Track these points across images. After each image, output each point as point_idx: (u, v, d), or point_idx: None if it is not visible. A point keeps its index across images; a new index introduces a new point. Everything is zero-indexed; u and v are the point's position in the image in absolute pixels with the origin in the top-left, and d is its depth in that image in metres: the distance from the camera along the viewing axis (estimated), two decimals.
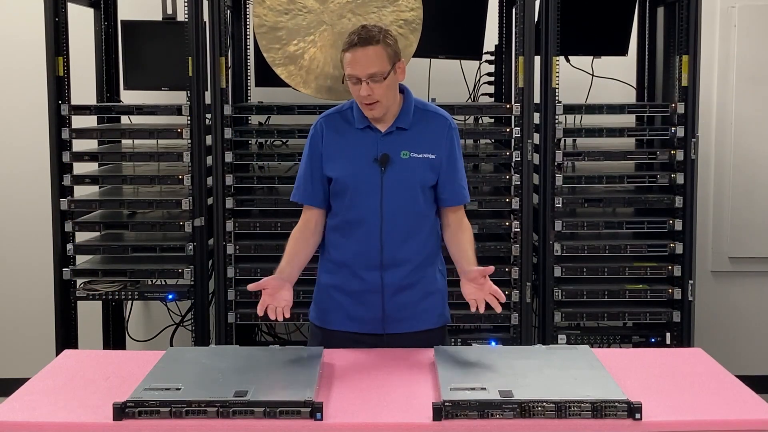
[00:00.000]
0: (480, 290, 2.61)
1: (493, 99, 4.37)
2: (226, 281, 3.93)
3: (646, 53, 4.41)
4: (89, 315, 4.45)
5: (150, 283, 4.10)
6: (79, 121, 4.00)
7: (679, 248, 3.88)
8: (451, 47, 4.24)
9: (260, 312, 2.62)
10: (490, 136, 4.06)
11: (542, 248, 3.90)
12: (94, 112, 4.05)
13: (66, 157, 3.92)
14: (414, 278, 2.80)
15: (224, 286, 3.93)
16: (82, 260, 4.07)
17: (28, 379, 2.49)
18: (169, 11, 4.26)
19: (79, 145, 4.05)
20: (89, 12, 4.38)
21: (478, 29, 4.21)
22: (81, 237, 4.05)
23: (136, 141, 4.08)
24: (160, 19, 4.27)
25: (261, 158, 4.09)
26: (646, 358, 2.74)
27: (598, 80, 4.35)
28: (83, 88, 4.25)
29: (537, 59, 3.86)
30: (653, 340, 3.94)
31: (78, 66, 4.13)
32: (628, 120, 4.30)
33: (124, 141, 4.26)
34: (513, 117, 3.89)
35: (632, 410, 2.15)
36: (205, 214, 3.92)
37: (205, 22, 3.85)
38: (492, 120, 4.23)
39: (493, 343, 3.73)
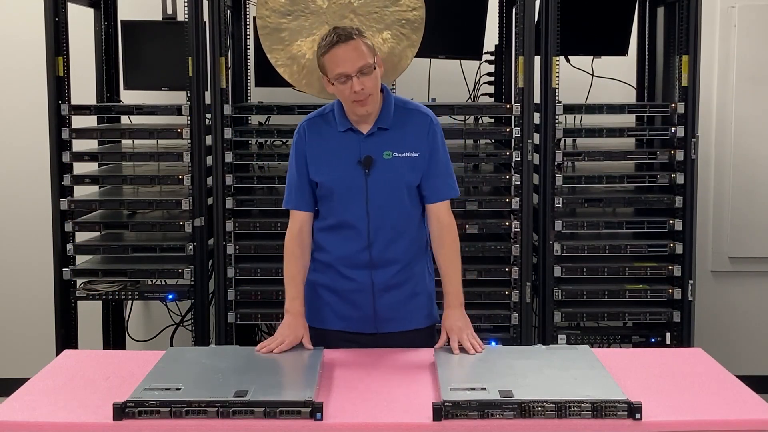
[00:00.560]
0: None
1: (493, 99, 4.37)
2: (226, 281, 3.93)
3: (646, 53, 4.41)
4: (89, 315, 4.45)
5: (150, 283, 4.10)
6: (79, 121, 4.00)
7: (679, 248, 3.88)
8: (451, 47, 4.24)
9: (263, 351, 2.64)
10: (490, 136, 4.06)
11: (542, 248, 3.90)
12: (94, 112, 4.05)
13: (66, 157, 3.92)
14: (402, 277, 2.81)
15: (224, 286, 3.93)
16: (82, 260, 4.07)
17: (28, 379, 2.49)
18: (169, 11, 4.27)
19: (79, 145, 4.05)
20: (89, 12, 4.38)
21: (478, 29, 4.21)
22: (81, 237, 4.05)
23: (136, 141, 4.08)
24: (160, 19, 4.27)
25: (261, 158, 4.10)
26: (646, 358, 2.74)
27: (598, 80, 4.35)
28: (83, 88, 4.25)
29: (537, 59, 3.86)
30: (653, 340, 3.94)
31: (78, 66, 4.13)
32: (628, 120, 4.30)
33: (124, 141, 4.26)
34: (513, 117, 3.89)
35: (632, 410, 2.15)
36: (205, 214, 3.92)
37: (205, 22, 3.85)
38: (492, 120, 4.23)
39: (493, 343, 3.72)
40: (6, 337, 4.93)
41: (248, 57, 4.31)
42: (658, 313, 3.92)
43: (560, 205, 3.89)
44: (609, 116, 4.03)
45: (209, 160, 3.94)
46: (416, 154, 2.75)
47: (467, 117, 4.15)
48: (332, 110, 2.80)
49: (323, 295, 2.83)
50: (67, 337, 3.99)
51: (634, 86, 4.49)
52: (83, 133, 3.97)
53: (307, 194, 2.79)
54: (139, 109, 3.97)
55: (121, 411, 2.15)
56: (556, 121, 3.86)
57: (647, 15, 4.38)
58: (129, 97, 4.38)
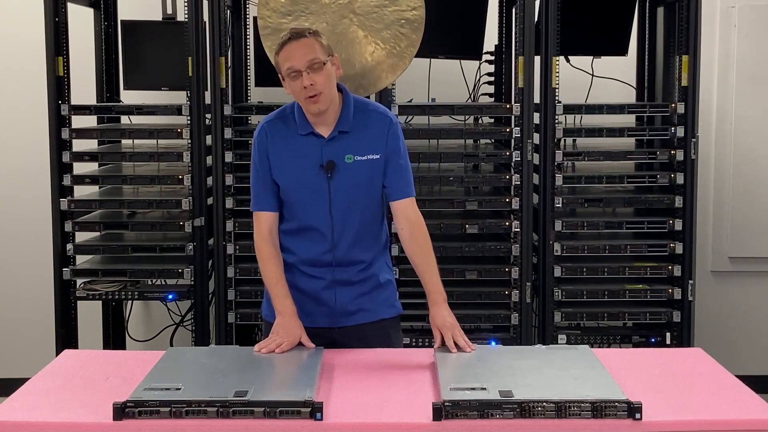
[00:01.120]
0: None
1: (493, 99, 4.37)
2: (226, 281, 3.93)
3: (646, 53, 4.41)
4: (89, 315, 4.45)
5: (150, 283, 4.10)
6: (79, 121, 4.00)
7: (679, 248, 3.88)
8: (451, 47, 4.24)
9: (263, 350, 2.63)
10: (490, 136, 4.06)
11: (542, 248, 3.90)
12: (94, 112, 4.05)
13: (66, 157, 3.92)
14: (365, 274, 2.82)
15: (224, 286, 3.93)
16: (82, 260, 4.07)
17: (28, 379, 2.49)
18: (169, 11, 4.27)
19: (79, 145, 4.05)
20: (89, 12, 4.38)
21: (478, 29, 4.21)
22: (81, 237, 4.05)
23: (136, 141, 4.08)
24: (160, 19, 4.27)
25: None
26: (646, 358, 2.73)
27: (598, 80, 4.35)
28: (83, 88, 4.25)
29: (537, 59, 3.86)
30: (653, 340, 3.94)
31: (78, 66, 4.13)
32: (628, 120, 4.30)
33: (124, 141, 4.26)
34: (513, 117, 3.89)
35: (632, 410, 2.14)
36: (205, 214, 3.92)
37: (205, 22, 3.86)
38: (492, 120, 4.23)
39: (493, 343, 3.72)
40: (6, 337, 4.93)
41: (248, 57, 4.31)
42: (658, 313, 3.92)
43: (560, 205, 3.89)
44: (609, 116, 4.03)
45: (209, 160, 3.94)
46: (377, 156, 2.75)
47: (467, 117, 4.15)
48: (292, 112, 2.79)
49: (291, 294, 2.82)
50: (67, 337, 3.99)
51: (634, 86, 4.49)
52: (83, 133, 3.97)
53: (274, 195, 2.79)
54: (139, 109, 3.97)
55: (121, 411, 2.15)
56: (556, 121, 3.86)
57: (647, 15, 4.38)
58: (129, 97, 4.38)
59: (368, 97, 3.15)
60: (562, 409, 2.15)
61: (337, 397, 2.31)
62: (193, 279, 3.93)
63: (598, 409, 2.15)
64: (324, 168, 2.72)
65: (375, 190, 2.77)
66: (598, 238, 3.97)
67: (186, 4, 3.81)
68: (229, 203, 3.90)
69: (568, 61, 4.22)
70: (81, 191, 4.05)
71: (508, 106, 3.91)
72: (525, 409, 2.15)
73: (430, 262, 2.79)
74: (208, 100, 3.91)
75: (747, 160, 4.77)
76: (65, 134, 3.92)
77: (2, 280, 4.91)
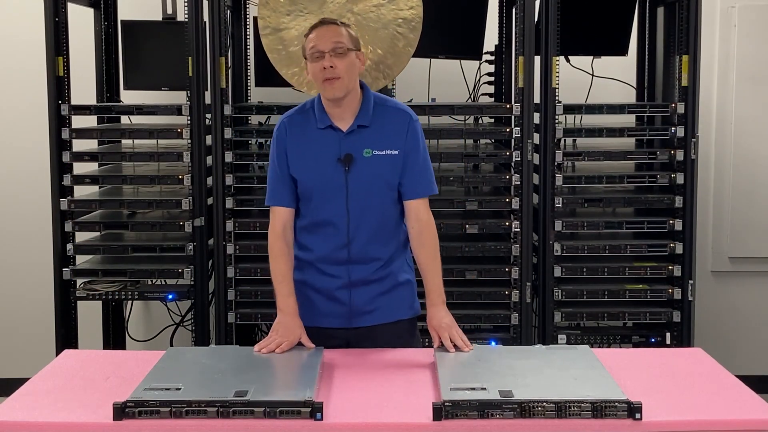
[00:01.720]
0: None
1: (493, 99, 4.37)
2: (226, 281, 3.93)
3: (646, 53, 4.41)
4: (89, 315, 4.45)
5: (150, 283, 4.10)
6: (79, 121, 4.00)
7: (679, 248, 3.88)
8: (451, 47, 4.24)
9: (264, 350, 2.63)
10: (490, 136, 4.06)
11: (542, 248, 3.90)
12: (94, 112, 4.05)
13: (66, 157, 3.92)
14: (383, 273, 2.81)
15: (224, 286, 3.93)
16: (82, 260, 4.07)
17: (28, 379, 2.49)
18: (169, 11, 4.27)
19: (79, 145, 4.05)
20: (89, 12, 4.38)
21: (478, 29, 4.21)
22: (81, 237, 4.05)
23: (136, 141, 4.08)
24: (160, 19, 4.27)
25: (261, 158, 4.09)
26: (646, 358, 2.74)
27: (598, 80, 4.35)
28: (83, 88, 4.25)
29: (537, 59, 3.86)
30: (653, 340, 3.94)
31: (78, 66, 4.13)
32: (628, 120, 4.30)
33: (124, 141, 4.26)
34: (513, 117, 3.89)
35: (632, 410, 2.15)
36: (205, 214, 3.92)
37: (205, 22, 3.85)
38: (492, 120, 4.23)
39: (493, 343, 3.72)
40: (6, 337, 4.93)
41: (248, 57, 4.31)
42: (658, 313, 3.92)
43: (560, 205, 3.89)
44: (609, 116, 4.03)
45: (209, 160, 3.94)
46: (395, 152, 2.75)
47: (467, 117, 4.15)
48: (312, 106, 2.80)
49: (306, 293, 2.83)
50: (67, 337, 3.99)
51: (634, 86, 4.49)
52: (83, 133, 3.97)
53: (290, 191, 2.79)
54: (139, 109, 3.97)
55: (121, 411, 2.15)
56: (556, 121, 3.86)
57: (647, 15, 4.38)
58: (129, 97, 4.38)
59: None
60: (562, 409, 2.15)
61: (337, 397, 2.31)
62: (193, 279, 3.93)
63: (598, 409, 2.15)
64: (342, 161, 2.72)
65: (393, 186, 2.77)
66: (598, 238, 3.97)
67: (186, 4, 3.81)
68: (229, 203, 3.90)
69: (568, 61, 4.22)
70: (81, 191, 4.05)
71: (508, 106, 3.91)
72: (525, 409, 2.15)
73: (434, 262, 2.80)
74: (208, 100, 3.91)
75: (747, 160, 4.77)
76: (65, 134, 3.91)
77: (2, 280, 4.91)
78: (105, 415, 2.16)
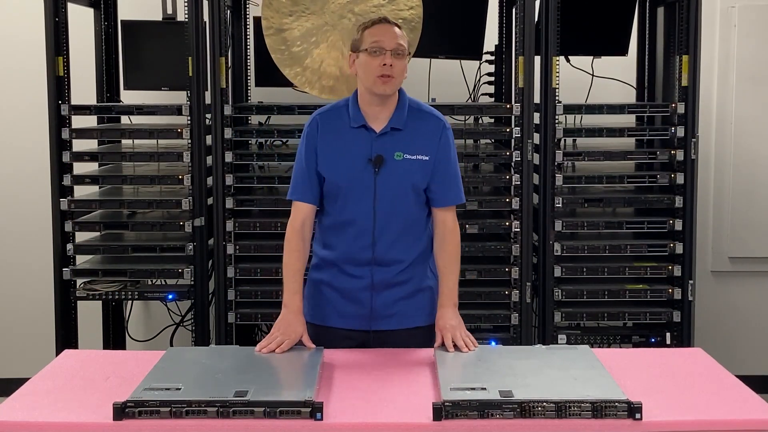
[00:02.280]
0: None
1: (493, 99, 4.37)
2: (226, 281, 3.93)
3: (646, 53, 4.41)
4: (89, 315, 4.45)
5: (150, 283, 4.10)
6: (79, 121, 4.00)
7: (679, 248, 3.88)
8: (451, 47, 4.24)
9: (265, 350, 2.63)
10: (490, 136, 4.06)
11: (542, 248, 3.90)
12: (94, 112, 4.05)
13: (66, 157, 3.92)
14: (404, 276, 2.81)
15: (224, 286, 3.93)
16: (82, 260, 4.07)
17: (28, 379, 2.49)
18: (169, 11, 4.27)
19: (79, 145, 4.05)
20: (89, 12, 4.38)
21: (478, 29, 4.21)
22: (81, 237, 4.05)
23: (136, 141, 4.08)
24: (160, 19, 4.27)
25: (261, 158, 4.09)
26: (646, 358, 2.74)
27: (598, 80, 4.35)
28: (83, 88, 4.25)
29: (537, 59, 3.86)
30: (653, 340, 3.94)
31: (78, 66, 4.12)
32: (628, 120, 4.30)
33: (124, 141, 4.26)
34: (513, 117, 3.89)
35: (632, 410, 2.15)
36: (205, 214, 3.92)
37: (205, 22, 3.85)
38: (492, 120, 4.23)
39: (493, 343, 3.72)
40: (6, 337, 4.93)
41: (248, 57, 4.31)
42: (658, 313, 3.92)
43: (560, 205, 3.89)
44: (609, 116, 4.03)
45: (209, 160, 3.94)
46: (426, 158, 2.76)
47: (467, 117, 4.15)
48: (346, 105, 2.80)
49: (325, 293, 2.84)
50: (67, 337, 3.99)
51: (634, 86, 4.49)
52: (83, 133, 3.97)
53: (314, 187, 2.78)
54: (139, 109, 3.97)
55: (121, 411, 2.15)
56: (556, 121, 3.86)
57: (647, 15, 4.38)
58: (129, 97, 4.38)
59: None
60: (562, 409, 2.15)
61: (337, 397, 2.31)
62: (193, 279, 3.93)
63: (598, 409, 2.15)
64: (372, 162, 2.72)
65: (421, 191, 2.78)
66: (598, 238, 3.97)
67: (186, 4, 3.81)
68: (229, 203, 3.90)
69: (568, 61, 4.22)
70: (81, 191, 4.05)
71: (508, 106, 3.91)
72: (525, 409, 2.15)
73: (452, 266, 2.81)
74: (208, 100, 3.91)
75: (747, 160, 4.77)
76: (65, 134, 3.91)
77: (2, 280, 4.91)
78: (105, 415, 2.16)
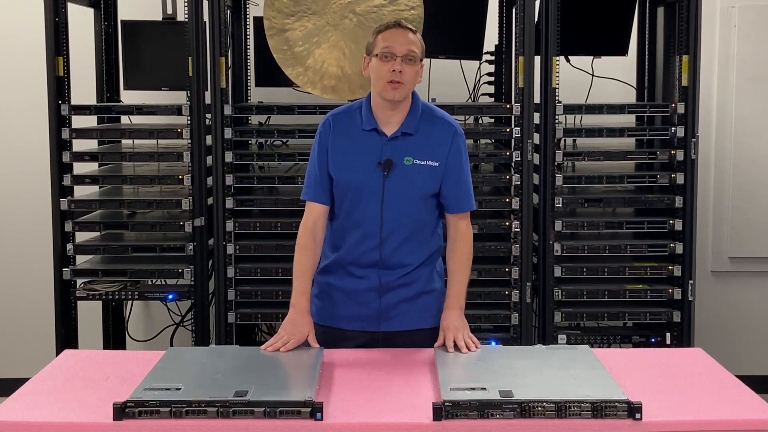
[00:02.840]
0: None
1: (493, 99, 4.37)
2: (226, 281, 3.93)
3: (646, 53, 4.41)
4: (89, 315, 4.45)
5: (150, 283, 4.10)
6: (79, 121, 4.00)
7: (679, 248, 3.88)
8: (451, 47, 4.24)
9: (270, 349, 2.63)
10: (490, 136, 4.06)
11: (542, 248, 3.90)
12: (94, 112, 4.05)
13: (66, 157, 3.92)
14: (411, 278, 2.81)
15: (224, 286, 3.93)
16: (82, 260, 4.07)
17: (28, 379, 2.49)
18: (169, 11, 4.27)
19: (79, 145, 4.05)
20: (89, 12, 4.38)
21: (478, 29, 4.21)
22: (81, 237, 4.05)
23: (136, 141, 4.08)
24: (160, 19, 4.27)
25: (261, 158, 4.10)
26: (646, 358, 2.74)
27: (598, 80, 4.35)
28: (83, 88, 4.25)
29: (537, 59, 3.86)
30: (653, 340, 3.94)
31: (78, 66, 4.12)
32: (628, 120, 4.30)
33: (124, 141, 4.26)
34: (513, 117, 3.89)
35: (632, 410, 2.15)
36: (205, 214, 3.92)
37: (205, 22, 3.85)
38: (492, 120, 4.23)
39: (493, 343, 3.72)
40: (6, 337, 4.93)
41: (248, 57, 4.31)
42: (658, 313, 3.92)
43: (560, 205, 3.89)
44: (609, 116, 4.03)
45: (209, 160, 3.94)
46: (436, 164, 2.76)
47: (467, 117, 4.15)
48: (359, 107, 2.80)
49: (333, 295, 2.84)
50: (67, 337, 3.99)
51: (634, 86, 4.49)
52: (83, 133, 3.97)
53: (326, 188, 2.79)
54: (139, 109, 3.97)
55: (121, 411, 2.15)
56: (556, 121, 3.86)
57: (647, 15, 4.38)
58: (129, 97, 4.38)
59: None
60: (562, 409, 2.15)
61: (337, 397, 2.31)
62: (193, 279, 3.93)
63: (598, 409, 2.15)
64: (381, 165, 2.72)
65: (429, 196, 2.78)
66: (598, 238, 3.97)
67: (186, 4, 3.81)
68: (229, 203, 3.90)
69: (568, 61, 4.22)
70: (81, 191, 4.05)
71: (508, 106, 3.91)
72: (525, 409, 2.15)
73: (461, 271, 2.81)
74: (208, 100, 3.91)
75: (747, 160, 4.77)
76: (65, 134, 3.91)
77: (2, 280, 4.91)
78: (105, 415, 2.16)
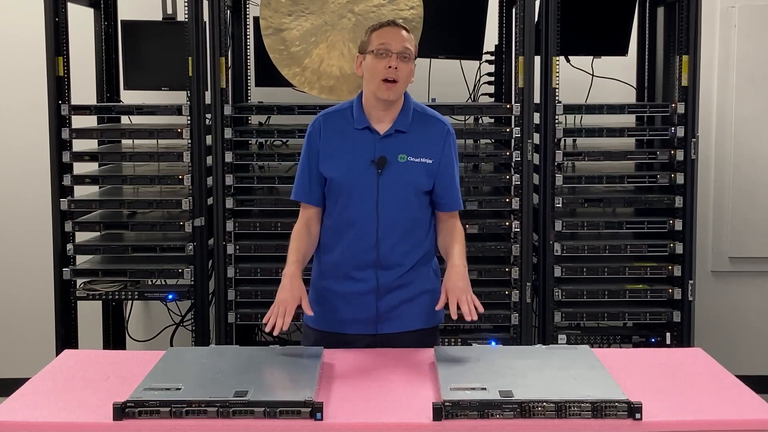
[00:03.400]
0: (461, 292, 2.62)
1: (493, 99, 4.37)
2: (226, 281, 3.93)
3: (646, 53, 4.41)
4: (89, 315, 4.45)
5: (150, 283, 4.10)
6: (79, 121, 4.00)
7: (679, 248, 3.88)
8: (451, 47, 4.24)
9: (268, 327, 2.60)
10: (490, 136, 4.06)
11: (542, 248, 3.90)
12: (94, 112, 4.05)
13: (66, 157, 3.92)
14: (408, 279, 2.80)
15: (224, 286, 3.93)
16: (82, 260, 4.07)
17: (28, 379, 2.49)
18: (169, 11, 4.27)
19: (79, 145, 4.05)
20: (89, 12, 4.38)
21: (478, 29, 4.21)
22: (81, 237, 4.05)
23: (136, 141, 4.08)
24: (160, 19, 4.27)
25: (261, 158, 4.10)
26: (646, 358, 2.73)
27: (598, 80, 4.35)
28: (83, 88, 4.25)
29: (537, 59, 3.86)
30: (653, 340, 3.94)
31: (78, 66, 4.13)
32: (628, 120, 4.30)
33: (124, 141, 4.26)
34: (513, 117, 3.89)
35: (632, 410, 2.14)
36: (205, 214, 3.92)
37: (205, 22, 3.85)
38: (492, 120, 4.23)
39: (493, 343, 3.72)
40: (6, 337, 4.93)
41: (248, 57, 4.31)
42: (658, 313, 3.92)
43: (560, 205, 3.89)
44: (609, 116, 4.03)
45: (209, 160, 3.94)
46: (430, 161, 2.76)
47: (467, 117, 4.15)
48: (351, 106, 2.80)
49: (330, 300, 2.83)
50: (67, 337, 3.99)
51: (634, 86, 4.49)
52: (83, 133, 3.98)
53: (315, 189, 2.79)
54: (139, 109, 3.97)
55: (121, 411, 2.15)
56: (556, 121, 3.86)
57: (647, 15, 4.38)
58: (129, 97, 4.38)
59: None
60: (562, 409, 2.15)
61: (337, 397, 2.31)
62: (193, 279, 3.93)
63: (598, 409, 2.15)
64: (375, 163, 2.72)
65: (422, 193, 2.78)
66: (598, 238, 3.97)
67: (186, 4, 3.81)
68: (229, 203, 3.90)
69: (568, 61, 4.23)
70: (81, 191, 4.05)
71: (508, 106, 3.91)
72: (525, 409, 2.15)
73: (460, 243, 2.77)
74: (208, 100, 3.91)
75: (747, 160, 4.77)
76: (65, 134, 3.92)
77: (2, 280, 4.91)
78: (105, 415, 2.16)
